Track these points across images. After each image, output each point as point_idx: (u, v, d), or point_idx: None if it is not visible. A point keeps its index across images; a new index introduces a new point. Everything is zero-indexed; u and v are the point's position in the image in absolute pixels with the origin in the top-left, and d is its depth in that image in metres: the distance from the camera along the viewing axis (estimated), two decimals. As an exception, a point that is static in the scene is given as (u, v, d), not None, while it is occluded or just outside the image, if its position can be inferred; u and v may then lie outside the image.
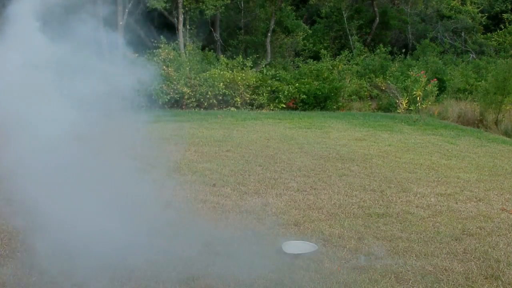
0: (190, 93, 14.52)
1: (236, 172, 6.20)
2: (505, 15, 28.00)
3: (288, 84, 15.72)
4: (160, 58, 15.65)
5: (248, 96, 15.18)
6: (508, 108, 13.54)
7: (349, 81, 18.11)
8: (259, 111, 14.77)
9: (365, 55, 23.13)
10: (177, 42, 17.89)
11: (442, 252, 3.84)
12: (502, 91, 13.27)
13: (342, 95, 16.72)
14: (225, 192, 5.32)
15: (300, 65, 19.91)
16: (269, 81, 15.71)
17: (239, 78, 14.97)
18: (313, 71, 16.93)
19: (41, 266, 3.31)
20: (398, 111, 14.80)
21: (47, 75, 3.40)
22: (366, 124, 11.49)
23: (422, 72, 14.18)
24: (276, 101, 15.26)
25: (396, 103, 15.26)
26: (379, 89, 17.92)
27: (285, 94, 15.14)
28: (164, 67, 15.04)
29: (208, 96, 14.58)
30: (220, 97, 14.84)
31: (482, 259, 3.73)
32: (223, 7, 18.73)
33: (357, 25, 26.07)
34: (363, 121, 12.22)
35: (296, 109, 15.33)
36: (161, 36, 16.96)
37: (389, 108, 15.99)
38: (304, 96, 15.29)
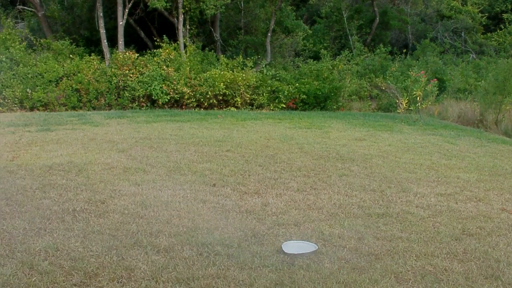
0: (190, 93, 14.53)
1: (236, 172, 6.19)
2: (505, 15, 28.04)
3: (288, 84, 15.73)
4: (160, 58, 15.67)
5: (248, 96, 15.17)
6: (508, 108, 13.52)
7: (349, 81, 18.12)
8: (259, 111, 14.77)
9: (365, 55, 23.15)
10: (177, 42, 17.87)
11: (442, 252, 3.84)
12: (502, 91, 13.27)
13: (342, 95, 16.73)
14: (225, 192, 5.32)
15: (300, 65, 19.90)
16: (269, 81, 15.70)
17: (239, 78, 14.97)
18: (313, 71, 16.92)
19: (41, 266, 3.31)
20: (398, 111, 14.80)
21: None
22: (366, 124, 11.49)
23: (422, 72, 14.16)
24: (276, 101, 15.26)
25: (396, 103, 15.26)
26: (379, 89, 17.92)
27: (285, 94, 15.14)
28: (164, 67, 15.06)
29: (208, 96, 14.58)
30: (220, 97, 14.85)
31: (482, 259, 3.73)
32: (223, 7, 18.71)
33: (357, 25, 26.09)
34: (363, 121, 12.22)
35: (296, 109, 15.33)
36: (164, 35, 16.97)
37: (389, 108, 16.01)
38: (304, 96, 15.29)
